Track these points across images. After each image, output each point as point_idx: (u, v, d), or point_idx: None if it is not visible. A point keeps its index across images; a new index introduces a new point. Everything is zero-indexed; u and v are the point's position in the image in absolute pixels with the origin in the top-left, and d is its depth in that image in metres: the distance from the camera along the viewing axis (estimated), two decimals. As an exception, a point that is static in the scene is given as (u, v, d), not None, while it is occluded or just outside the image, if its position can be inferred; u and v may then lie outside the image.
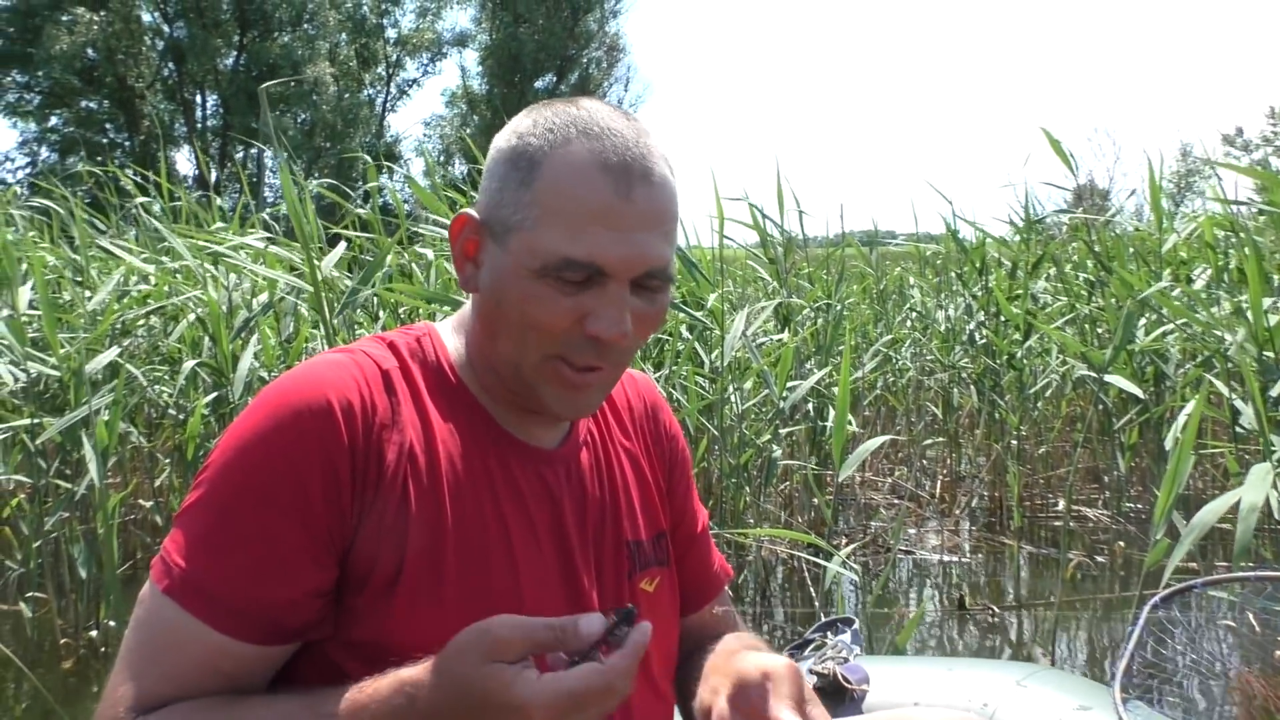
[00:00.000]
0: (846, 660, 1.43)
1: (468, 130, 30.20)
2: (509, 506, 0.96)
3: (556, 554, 0.98)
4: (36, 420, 3.26)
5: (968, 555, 4.49)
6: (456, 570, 0.90)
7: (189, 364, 3.61)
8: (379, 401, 0.92)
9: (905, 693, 1.44)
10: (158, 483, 4.16)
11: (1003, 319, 4.91)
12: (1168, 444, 2.77)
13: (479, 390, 1.00)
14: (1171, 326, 3.97)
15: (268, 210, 5.31)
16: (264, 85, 2.65)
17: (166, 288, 4.05)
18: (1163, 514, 2.53)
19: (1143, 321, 4.03)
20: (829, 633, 1.53)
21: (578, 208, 0.88)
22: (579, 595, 0.98)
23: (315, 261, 2.94)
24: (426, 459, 0.93)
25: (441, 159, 31.45)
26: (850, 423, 4.23)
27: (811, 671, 1.38)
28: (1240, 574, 1.88)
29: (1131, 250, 4.73)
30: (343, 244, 3.58)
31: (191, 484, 0.91)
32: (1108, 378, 3.55)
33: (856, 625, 1.54)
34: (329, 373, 0.91)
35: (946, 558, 4.47)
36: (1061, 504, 5.03)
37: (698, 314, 3.80)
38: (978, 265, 5.14)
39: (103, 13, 27.13)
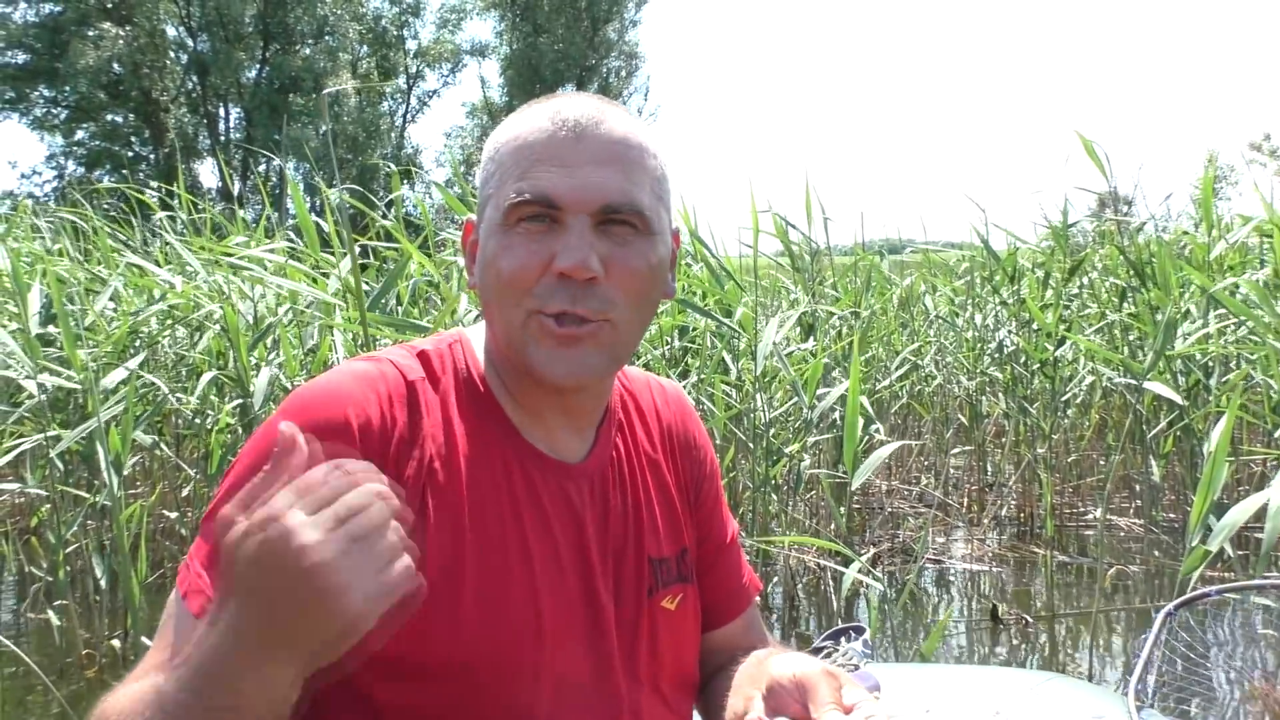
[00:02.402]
0: (857, 668, 1.42)
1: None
2: (531, 523, 0.93)
3: (578, 572, 0.96)
4: (55, 434, 3.26)
5: (998, 565, 4.44)
6: (475, 587, 0.88)
7: (207, 375, 3.61)
8: (399, 417, 0.90)
9: (917, 700, 1.43)
10: (184, 493, 4.17)
11: (1034, 326, 4.86)
12: (1208, 449, 2.72)
13: (505, 398, 0.97)
14: (1212, 331, 3.91)
15: (291, 221, 5.33)
16: (323, 92, 2.61)
17: (191, 300, 4.05)
18: (1198, 520, 2.48)
19: (1181, 329, 3.97)
20: (840, 640, 1.52)
21: (528, 153, 0.91)
22: (598, 614, 0.96)
23: (352, 277, 2.91)
24: (448, 475, 0.91)
25: (463, 170, 31.64)
26: (878, 430, 4.19)
27: None
28: (1257, 581, 1.85)
29: (1177, 255, 4.66)
30: (355, 250, 3.50)
31: (216, 490, 0.89)
32: (1146, 384, 3.49)
33: (867, 633, 1.52)
34: (350, 386, 0.90)
35: (976, 567, 4.41)
36: (1093, 513, 4.98)
37: (727, 321, 3.76)
38: (1009, 272, 5.09)
39: (128, 27, 27.47)
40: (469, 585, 0.88)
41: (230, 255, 3.84)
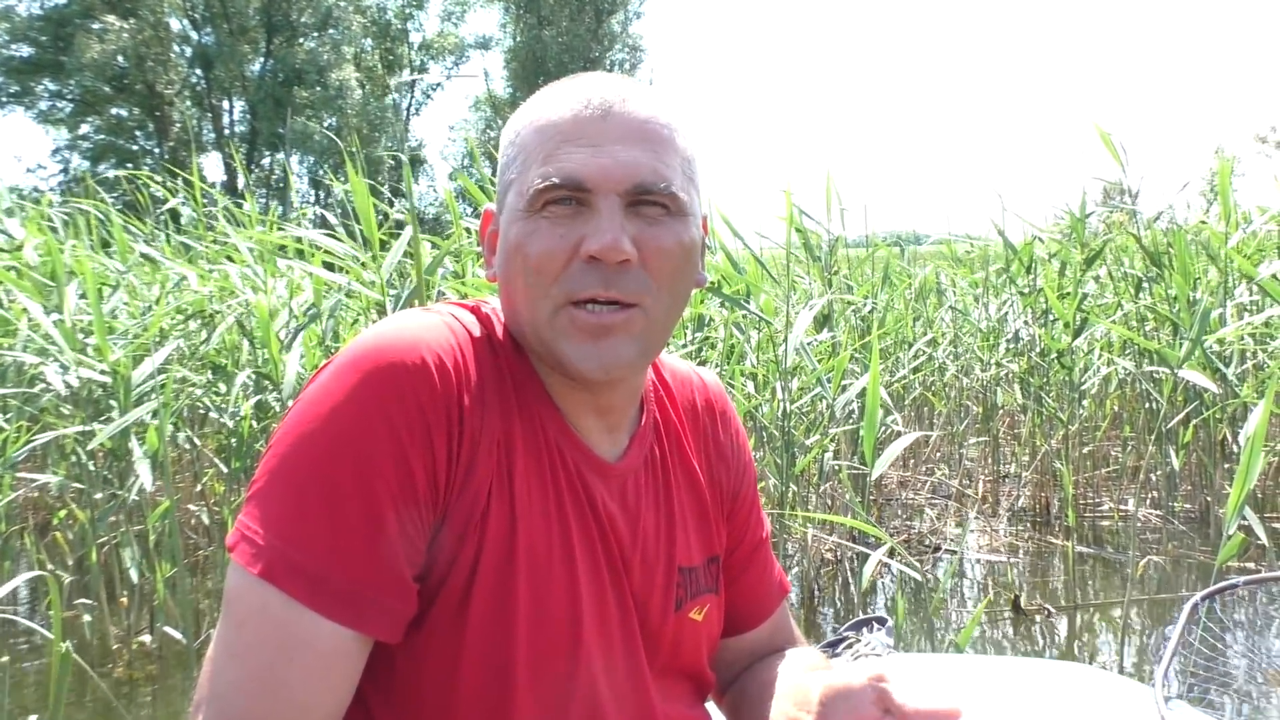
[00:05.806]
0: (880, 657, 1.42)
1: (491, 134, 30.34)
2: (574, 519, 0.89)
3: (612, 578, 0.91)
4: (86, 428, 3.26)
5: (1015, 555, 4.44)
6: (526, 587, 0.84)
7: (241, 376, 3.59)
8: (472, 373, 0.84)
9: (940, 689, 1.43)
10: (199, 486, 4.17)
11: (1052, 316, 4.85)
12: (1244, 438, 2.72)
13: (546, 379, 0.92)
14: (1231, 321, 3.91)
15: (294, 214, 5.32)
16: (411, 73, 2.55)
17: (207, 289, 4.04)
18: (1235, 510, 2.48)
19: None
20: (863, 630, 1.52)
21: (552, 134, 0.86)
22: (626, 619, 0.92)
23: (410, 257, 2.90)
24: (509, 459, 0.85)
25: (468, 161, 31.59)
26: (897, 422, 4.19)
27: None
28: (1284, 571, 1.84)
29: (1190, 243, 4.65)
30: (403, 242, 3.44)
31: (267, 449, 0.80)
32: (1181, 372, 3.48)
33: (890, 623, 1.52)
34: (424, 332, 0.83)
35: (995, 558, 4.41)
36: (1108, 503, 4.98)
37: (757, 311, 3.75)
38: (1025, 263, 5.08)
39: (133, 20, 27.42)
40: (521, 584, 0.83)
41: (284, 243, 3.81)
